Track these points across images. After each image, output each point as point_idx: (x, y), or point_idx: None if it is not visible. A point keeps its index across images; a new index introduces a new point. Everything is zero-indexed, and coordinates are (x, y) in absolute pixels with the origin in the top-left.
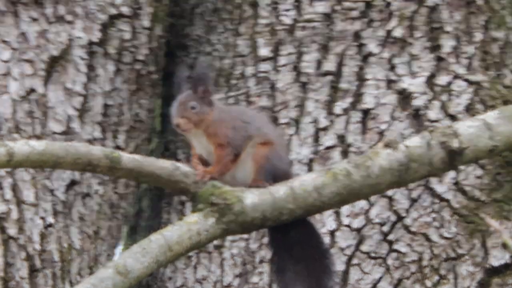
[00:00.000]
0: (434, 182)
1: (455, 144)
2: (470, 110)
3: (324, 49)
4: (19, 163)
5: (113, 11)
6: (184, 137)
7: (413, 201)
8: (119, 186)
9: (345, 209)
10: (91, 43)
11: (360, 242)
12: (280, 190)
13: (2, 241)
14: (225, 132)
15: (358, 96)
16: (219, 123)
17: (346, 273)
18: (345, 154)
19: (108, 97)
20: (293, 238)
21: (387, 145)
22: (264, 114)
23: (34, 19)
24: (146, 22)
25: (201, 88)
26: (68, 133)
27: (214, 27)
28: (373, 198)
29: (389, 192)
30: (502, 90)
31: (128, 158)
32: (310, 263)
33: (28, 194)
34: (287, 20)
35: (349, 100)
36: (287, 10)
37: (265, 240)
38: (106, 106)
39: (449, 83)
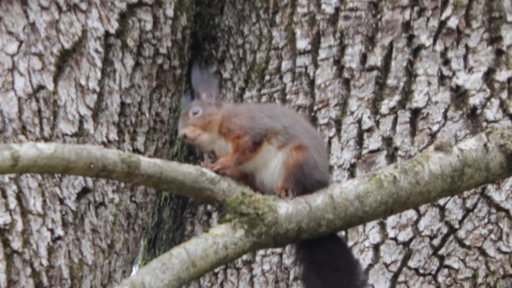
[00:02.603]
0: (491, 190)
1: None
2: None
3: (370, 41)
4: (25, 168)
5: None
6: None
7: (468, 211)
8: (137, 194)
9: (390, 220)
10: (107, 35)
11: (407, 257)
12: (317, 198)
13: (5, 256)
14: (240, 123)
15: (407, 94)
16: (232, 117)
17: None
18: (391, 158)
19: (126, 94)
20: (321, 257)
21: (438, 148)
22: (300, 114)
23: (44, 8)
24: (169, 11)
25: (204, 94)
26: (80, 135)
27: (247, 16)
28: (422, 208)
29: (441, 201)
30: None
31: (148, 163)
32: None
33: (35, 203)
34: (329, 9)
35: (397, 98)
36: None
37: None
38: (123, 104)
39: (510, 79)
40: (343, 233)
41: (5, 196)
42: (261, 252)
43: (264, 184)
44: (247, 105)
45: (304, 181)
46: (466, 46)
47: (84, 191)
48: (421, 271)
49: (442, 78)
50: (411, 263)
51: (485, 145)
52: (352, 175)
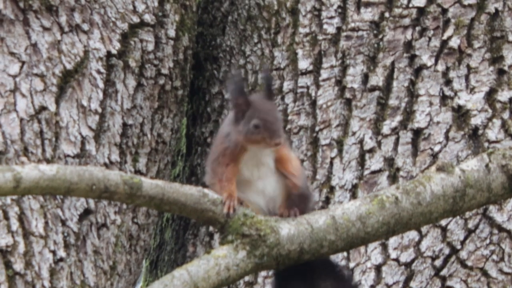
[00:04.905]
0: (493, 211)
1: None
2: None
3: (372, 61)
4: (27, 189)
5: (135, 19)
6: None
7: (470, 231)
8: (139, 215)
9: (392, 241)
10: (109, 55)
11: (409, 278)
12: (319, 219)
13: (7, 278)
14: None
15: (408, 114)
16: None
17: None
18: (393, 179)
19: (128, 115)
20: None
21: (440, 169)
22: None
23: (46, 29)
24: (171, 32)
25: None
26: (82, 156)
27: (248, 37)
28: (424, 229)
29: (443, 222)
30: None
31: (150, 184)
32: None
33: (37, 225)
34: (330, 29)
35: (398, 118)
36: (331, 17)
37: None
38: (125, 125)
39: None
40: (345, 254)
41: (7, 218)
42: (263, 273)
43: (265, 193)
44: None
45: (307, 183)
46: (468, 66)
47: (86, 212)
48: None
49: (443, 98)
50: (413, 284)
51: (487, 165)
52: (354, 196)
